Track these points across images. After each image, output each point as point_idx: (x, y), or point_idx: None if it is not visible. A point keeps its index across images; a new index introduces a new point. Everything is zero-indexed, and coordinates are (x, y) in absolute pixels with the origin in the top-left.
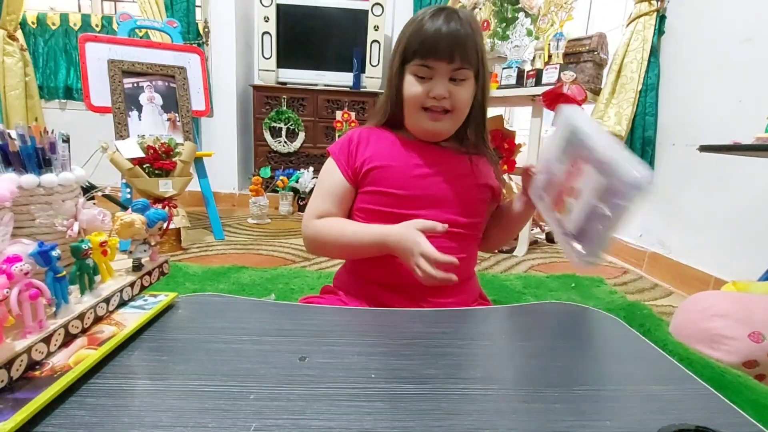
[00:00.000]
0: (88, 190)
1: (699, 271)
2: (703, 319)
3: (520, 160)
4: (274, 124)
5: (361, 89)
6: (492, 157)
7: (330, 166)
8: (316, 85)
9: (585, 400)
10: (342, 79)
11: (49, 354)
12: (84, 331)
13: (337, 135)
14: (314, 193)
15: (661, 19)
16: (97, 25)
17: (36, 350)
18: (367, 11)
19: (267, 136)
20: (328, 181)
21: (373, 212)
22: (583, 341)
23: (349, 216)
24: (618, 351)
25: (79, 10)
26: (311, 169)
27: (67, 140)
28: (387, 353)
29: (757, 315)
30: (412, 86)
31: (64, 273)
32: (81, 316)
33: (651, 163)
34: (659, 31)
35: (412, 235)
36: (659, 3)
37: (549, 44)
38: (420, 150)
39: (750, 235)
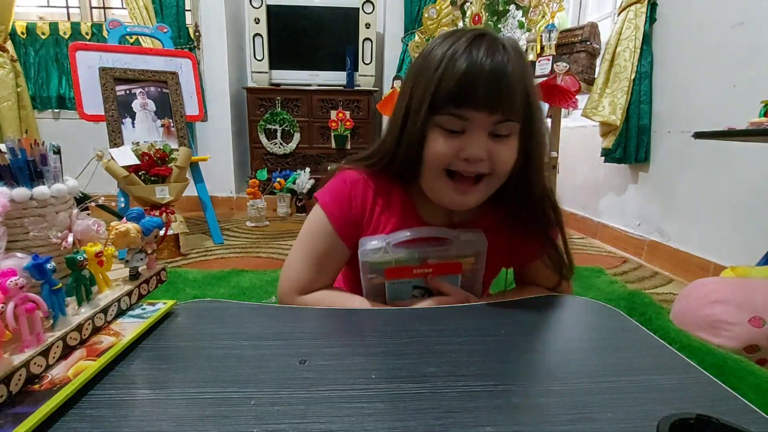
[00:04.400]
0: (81, 200)
1: (698, 258)
2: (703, 306)
3: None
4: (269, 126)
5: (355, 88)
6: (542, 230)
7: (321, 223)
8: (309, 85)
9: (586, 393)
10: (335, 78)
11: (48, 367)
12: (82, 342)
13: (332, 135)
14: (297, 252)
15: (653, 6)
16: (87, 33)
17: (35, 363)
18: (357, 9)
19: (262, 138)
20: (320, 244)
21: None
22: (583, 333)
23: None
24: (618, 342)
25: (69, 19)
26: (308, 169)
27: (58, 151)
28: (386, 353)
29: (757, 300)
30: (437, 143)
31: (60, 285)
32: (79, 328)
33: (647, 151)
34: (651, 18)
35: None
36: None
37: (541, 36)
38: (437, 232)
39: (748, 220)
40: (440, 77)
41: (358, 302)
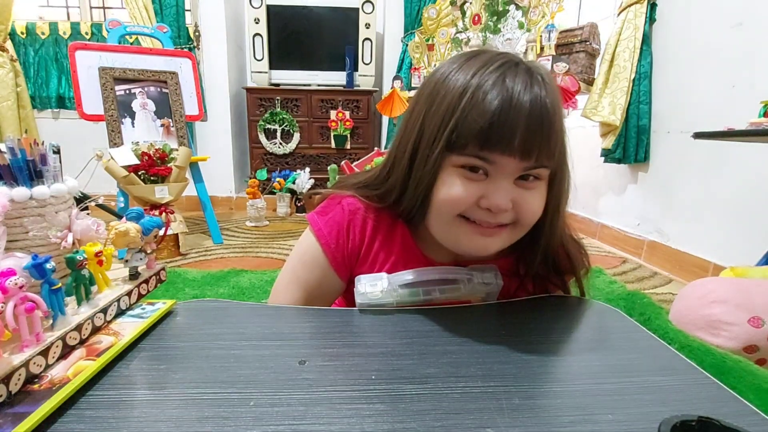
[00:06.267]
0: (81, 200)
1: (698, 258)
2: (702, 306)
3: None
4: (268, 126)
5: (355, 87)
6: (558, 279)
7: (315, 252)
8: (309, 85)
9: (586, 394)
10: (335, 78)
11: (48, 366)
12: (82, 342)
13: (332, 135)
14: (288, 279)
15: (652, 6)
16: (86, 33)
17: (34, 363)
18: (357, 9)
19: (262, 138)
20: (312, 274)
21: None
22: (583, 334)
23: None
24: (618, 342)
25: (68, 19)
26: (307, 169)
27: (57, 151)
28: (386, 353)
29: (756, 300)
30: (453, 187)
31: (60, 285)
32: (78, 328)
33: (646, 151)
34: (650, 18)
35: None
36: None
37: (541, 36)
38: (446, 272)
39: (747, 220)
40: (464, 110)
41: None
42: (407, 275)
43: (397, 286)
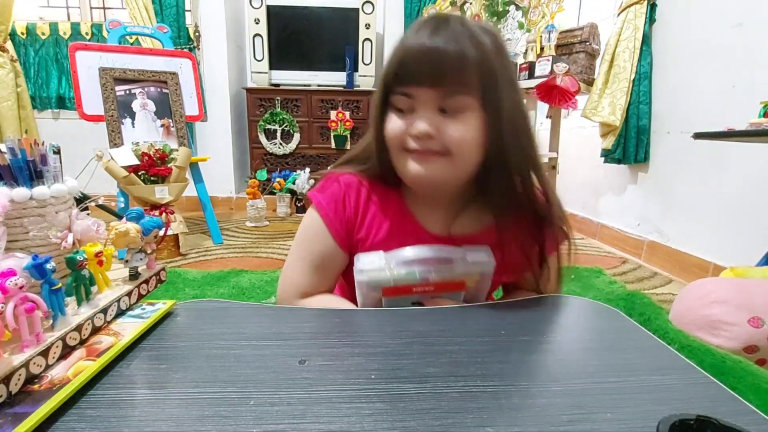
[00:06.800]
0: (81, 200)
1: (698, 258)
2: (702, 306)
3: None
4: (268, 126)
5: (355, 88)
6: (536, 223)
7: (316, 225)
8: (309, 85)
9: (585, 393)
10: (335, 78)
11: (48, 367)
12: (82, 342)
13: (332, 135)
14: (294, 256)
15: (652, 7)
16: (87, 34)
17: (34, 363)
18: (357, 9)
19: (262, 138)
20: (316, 246)
21: None
22: (583, 333)
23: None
24: (618, 342)
25: (69, 19)
26: (307, 170)
27: (58, 152)
28: (386, 353)
29: (756, 300)
30: (390, 122)
31: (60, 285)
32: (78, 328)
33: (646, 151)
34: (650, 19)
35: None
36: None
37: (540, 36)
38: (434, 238)
39: (747, 221)
40: (390, 60)
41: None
42: (404, 252)
43: (395, 263)
